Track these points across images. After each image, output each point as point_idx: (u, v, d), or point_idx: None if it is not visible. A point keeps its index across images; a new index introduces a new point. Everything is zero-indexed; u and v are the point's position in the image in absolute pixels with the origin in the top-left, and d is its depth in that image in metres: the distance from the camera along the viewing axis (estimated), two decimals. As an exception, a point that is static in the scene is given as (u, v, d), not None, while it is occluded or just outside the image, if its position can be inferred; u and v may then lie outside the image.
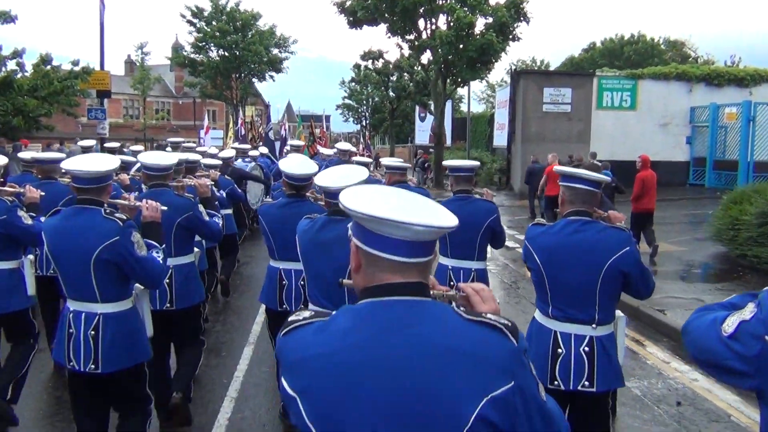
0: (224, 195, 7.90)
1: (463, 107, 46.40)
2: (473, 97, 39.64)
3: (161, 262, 3.71)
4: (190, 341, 5.11)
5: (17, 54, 19.71)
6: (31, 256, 5.12)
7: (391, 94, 43.57)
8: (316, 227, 3.64)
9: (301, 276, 4.65)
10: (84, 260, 3.47)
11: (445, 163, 5.64)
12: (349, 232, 1.64)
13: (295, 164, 4.82)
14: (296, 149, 13.32)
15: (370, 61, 40.25)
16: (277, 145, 19.73)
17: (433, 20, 25.98)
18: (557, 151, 22.48)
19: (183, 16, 40.25)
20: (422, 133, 45.78)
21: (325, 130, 34.90)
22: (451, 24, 24.37)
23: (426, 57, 27.68)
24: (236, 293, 9.46)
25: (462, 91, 36.98)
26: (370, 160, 10.37)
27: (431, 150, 37.84)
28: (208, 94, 42.69)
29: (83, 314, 3.56)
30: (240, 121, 26.36)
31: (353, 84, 55.12)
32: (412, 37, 27.51)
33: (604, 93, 24.41)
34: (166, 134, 47.84)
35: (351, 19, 27.59)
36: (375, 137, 54.30)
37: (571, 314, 3.50)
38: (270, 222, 4.79)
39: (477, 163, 5.62)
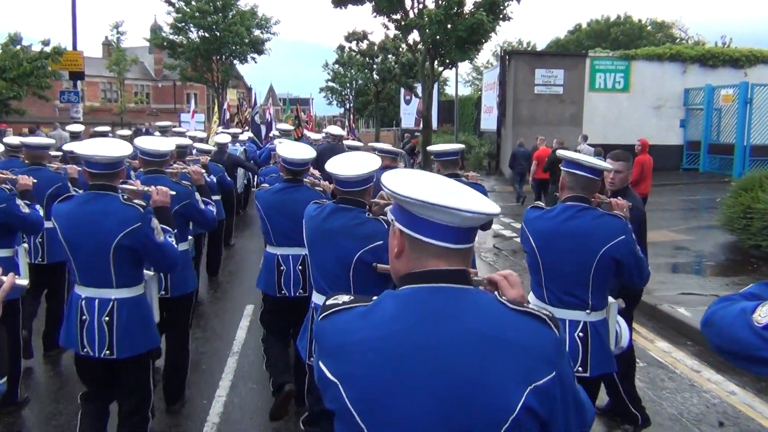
0: (214, 181, 7.78)
1: (449, 90, 45.66)
2: (459, 80, 39.06)
3: (176, 246, 3.74)
4: (179, 339, 5.10)
5: (-16, 33, 18.54)
6: (25, 245, 5.07)
7: (375, 76, 42.54)
8: (323, 215, 3.49)
9: (299, 261, 4.64)
10: (103, 246, 3.44)
11: (430, 148, 5.52)
12: (389, 216, 1.63)
13: (293, 149, 4.75)
14: (285, 133, 12.92)
15: (355, 43, 39.21)
16: (263, 129, 19.38)
17: (421, -1, 25.06)
18: (550, 135, 21.92)
19: (162, -4, 38.94)
20: (408, 117, 44.95)
21: (311, 113, 34.24)
22: (440, 2, 23.45)
23: (413, 37, 26.78)
24: (219, 293, 8.83)
25: (448, 73, 36.23)
26: (361, 144, 9.91)
27: (417, 134, 37.24)
28: (189, 76, 41.40)
29: (96, 300, 3.53)
30: (226, 105, 25.95)
31: (337, 66, 54.21)
32: (398, 16, 26.51)
33: (597, 74, 23.68)
34: (146, 118, 46.89)
35: (335, -3, 26.59)
36: (359, 121, 53.36)
37: (566, 299, 3.49)
38: (266, 207, 4.69)
39: (462, 146, 5.52)
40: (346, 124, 34.76)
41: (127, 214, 3.48)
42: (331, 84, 55.90)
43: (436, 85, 42.38)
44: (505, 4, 23.49)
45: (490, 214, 1.51)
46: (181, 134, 11.43)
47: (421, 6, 24.99)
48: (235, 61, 42.11)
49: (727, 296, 2.00)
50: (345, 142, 9.77)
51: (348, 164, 3.47)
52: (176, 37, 39.94)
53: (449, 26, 23.23)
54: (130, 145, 3.90)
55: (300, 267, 4.67)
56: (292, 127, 16.01)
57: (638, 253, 3.48)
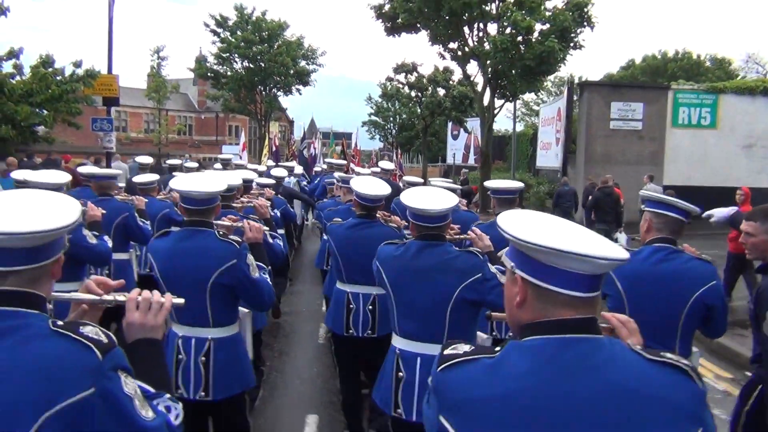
0: (278, 214, 7.33)
1: (497, 125, 43.17)
2: (506, 114, 36.33)
3: (270, 283, 3.61)
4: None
5: (13, 54, 16.67)
6: (93, 277, 3.65)
7: (423, 110, 40.31)
8: (410, 253, 3.32)
9: (369, 300, 4.51)
10: (200, 284, 3.35)
11: (488, 183, 5.45)
12: (507, 263, 1.53)
13: (368, 184, 4.64)
14: (338, 167, 12.66)
15: (403, 75, 37.13)
16: (313, 162, 19.27)
17: (481, 25, 22.80)
18: (626, 175, 19.36)
19: (207, 26, 37.35)
20: (455, 152, 42.74)
21: (357, 147, 32.47)
22: (505, 29, 21.14)
23: (472, 68, 24.53)
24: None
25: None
26: (421, 180, 9.18)
27: (464, 170, 34.87)
28: (231, 107, 39.60)
29: (193, 339, 3.42)
30: (273, 138, 26.67)
31: (380, 100, 52.42)
32: (455, 45, 24.34)
33: (681, 109, 20.93)
34: (187, 149, 45.63)
35: (389, 25, 24.57)
36: (402, 156, 51.11)
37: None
38: (340, 243, 4.58)
39: (521, 184, 5.38)
40: (394, 158, 32.69)
41: (224, 251, 3.38)
42: (374, 118, 54.23)
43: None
44: (577, 31, 21.08)
45: (623, 260, 1.41)
46: (241, 167, 11.02)
47: (480, 34, 22.76)
48: (278, 93, 40.20)
49: None
50: (405, 177, 9.29)
51: (429, 199, 3.34)
52: (220, 67, 38.27)
53: (515, 54, 20.87)
54: (225, 180, 3.95)
55: (370, 307, 4.53)
56: (344, 162, 15.41)
57: (726, 300, 3.49)
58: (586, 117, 20.88)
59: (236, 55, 37.50)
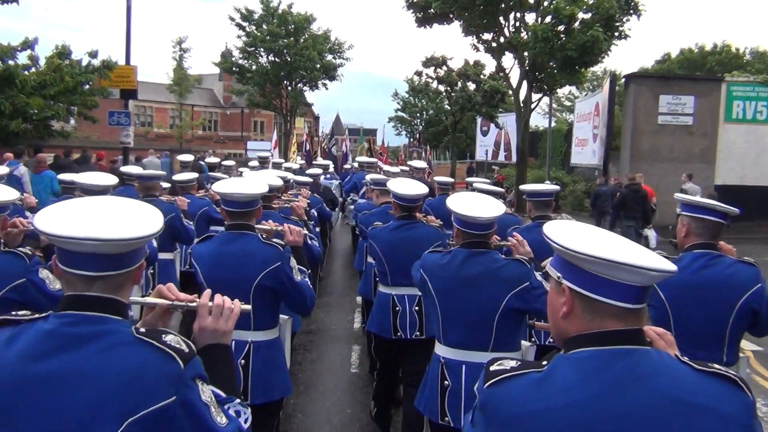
0: (315, 213, 7.33)
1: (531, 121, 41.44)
2: (537, 110, 34.64)
3: (311, 287, 3.55)
4: None
5: (28, 45, 15.61)
6: (142, 281, 4.30)
7: (451, 106, 38.91)
8: (457, 261, 3.25)
9: (415, 301, 4.46)
10: (244, 287, 3.28)
11: (523, 187, 5.36)
12: (553, 273, 1.51)
13: (406, 185, 4.60)
14: (369, 166, 12.26)
15: (432, 69, 35.70)
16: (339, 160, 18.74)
17: (519, 15, 21.39)
18: (676, 173, 17.93)
19: (232, 19, 36.22)
20: (483, 149, 41.28)
21: (384, 145, 31.40)
22: (545, 18, 19.70)
23: (507, 60, 23.19)
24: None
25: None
26: (452, 180, 8.70)
27: (494, 167, 33.41)
28: (257, 102, 38.39)
29: (233, 342, 3.20)
30: (305, 135, 25.83)
31: (407, 95, 51.10)
32: (489, 36, 22.96)
33: (735, 102, 19.36)
34: (212, 145, 44.81)
35: (420, 15, 23.25)
36: (432, 153, 49.73)
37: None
38: (383, 246, 4.53)
39: (557, 187, 5.39)
40: (423, 155, 31.43)
41: (268, 254, 3.35)
42: (400, 114, 52.96)
43: (514, 116, 38.80)
44: (623, 19, 19.57)
45: (673, 272, 1.39)
46: (278, 164, 11.03)
47: (518, 24, 21.34)
48: (304, 88, 38.98)
49: None
50: (436, 178, 8.77)
51: (477, 206, 3.25)
52: (246, 61, 37.16)
53: (555, 44, 19.43)
54: (266, 181, 4.00)
55: (416, 308, 4.46)
56: (374, 160, 14.58)
57: None
58: (632, 111, 19.38)
59: (261, 49, 36.30)
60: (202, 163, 14.25)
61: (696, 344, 3.03)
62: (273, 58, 36.64)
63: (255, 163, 12.14)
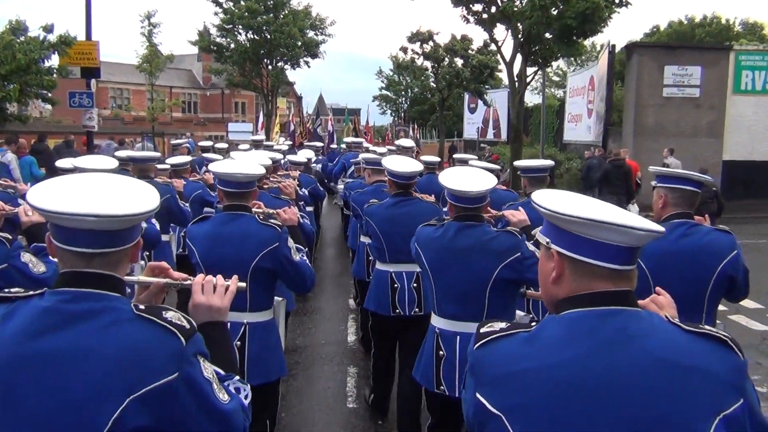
0: (307, 193, 7.34)
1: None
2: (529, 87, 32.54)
3: (310, 265, 3.55)
4: None
5: (-22, 20, 13.90)
6: (142, 262, 4.86)
7: (434, 84, 37.37)
8: (449, 234, 3.30)
9: (413, 278, 4.46)
10: (242, 268, 3.20)
11: (517, 163, 5.33)
12: (542, 239, 1.51)
13: (400, 162, 4.56)
14: (357, 147, 11.95)
15: (418, 44, 34.10)
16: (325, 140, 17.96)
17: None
18: (682, 148, 16.78)
19: (208, -5, 34.30)
20: (472, 126, 39.82)
21: (369, 124, 30.13)
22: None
23: (499, 33, 21.68)
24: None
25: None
26: (438, 159, 8.55)
27: (484, 146, 32.08)
28: (236, 82, 36.49)
29: (228, 324, 2.82)
30: (291, 116, 25.03)
31: (391, 73, 49.53)
32: (480, 7, 21.42)
33: (743, 72, 18.07)
34: (192, 127, 43.15)
35: (407, -15, 21.63)
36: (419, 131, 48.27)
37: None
38: (380, 223, 4.50)
39: (551, 162, 5.34)
40: (410, 134, 30.11)
41: (266, 235, 3.32)
42: (385, 92, 51.40)
43: (506, 92, 37.29)
44: (624, -15, 18.12)
45: (659, 232, 1.40)
46: (269, 146, 11.15)
47: (511, -8, 19.83)
48: (286, 66, 37.16)
49: None
50: (422, 157, 8.57)
51: (468, 180, 3.30)
52: (224, 39, 35.27)
53: (554, 12, 17.96)
54: (262, 163, 4.01)
55: (415, 284, 4.46)
56: (361, 140, 14.08)
57: (746, 265, 3.25)
58: (635, 83, 18.04)
59: (240, 27, 34.44)
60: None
61: (678, 311, 2.86)
62: (252, 36, 34.77)
63: (245, 146, 11.99)
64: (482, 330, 1.51)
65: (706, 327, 1.41)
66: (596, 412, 1.31)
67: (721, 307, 3.65)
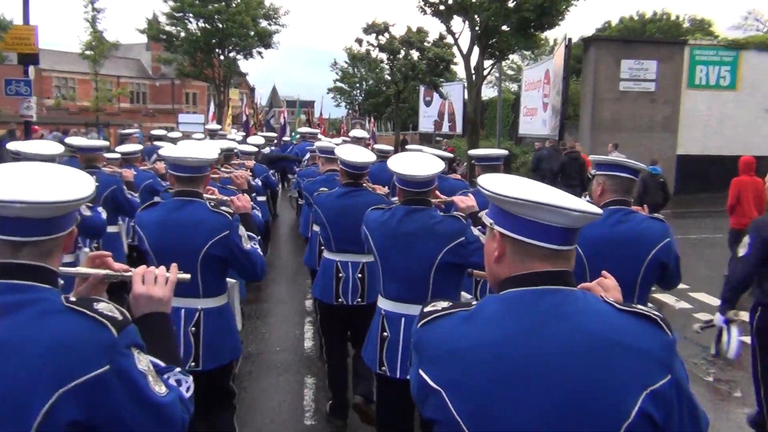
0: (260, 183, 7.40)
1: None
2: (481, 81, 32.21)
3: (261, 253, 3.52)
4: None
5: None
6: (86, 249, 4.91)
7: (388, 76, 36.93)
8: (396, 218, 3.34)
9: (358, 268, 4.45)
10: (192, 255, 3.21)
11: (471, 151, 5.42)
12: (486, 220, 1.55)
13: (353, 152, 4.53)
14: (312, 137, 11.78)
15: (374, 36, 33.58)
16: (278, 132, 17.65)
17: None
18: (638, 143, 16.81)
19: (157, -18, 33.09)
20: (427, 119, 39.56)
21: (322, 116, 29.64)
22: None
23: (457, 25, 21.38)
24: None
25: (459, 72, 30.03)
26: (391, 148, 8.66)
27: (439, 138, 31.83)
28: (186, 72, 35.37)
29: (183, 310, 3.29)
30: (244, 107, 24.41)
31: (346, 65, 48.92)
32: (437, -1, 21.08)
33: (698, 67, 18.17)
34: (142, 119, 41.82)
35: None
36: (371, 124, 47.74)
37: None
38: (328, 213, 4.49)
39: (505, 152, 5.45)
40: (367, 126, 29.64)
41: (216, 222, 3.29)
42: (339, 84, 50.77)
43: (460, 86, 37.10)
44: (582, -22, 17.99)
45: (597, 214, 1.44)
46: (222, 135, 10.90)
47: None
48: (238, 57, 36.21)
49: None
50: (376, 146, 8.77)
51: (415, 165, 3.34)
52: (173, 28, 34.11)
53: (512, 5, 17.72)
54: (213, 148, 3.79)
55: (359, 275, 4.46)
56: (316, 131, 14.43)
57: (678, 253, 3.32)
58: (593, 77, 17.98)
59: (191, 15, 33.37)
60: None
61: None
62: (203, 24, 33.77)
63: (200, 135, 11.93)
64: (426, 309, 1.54)
65: (639, 306, 1.45)
66: (529, 386, 1.34)
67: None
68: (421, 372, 1.46)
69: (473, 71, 20.66)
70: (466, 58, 20.91)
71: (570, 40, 20.40)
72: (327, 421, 4.78)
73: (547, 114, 24.70)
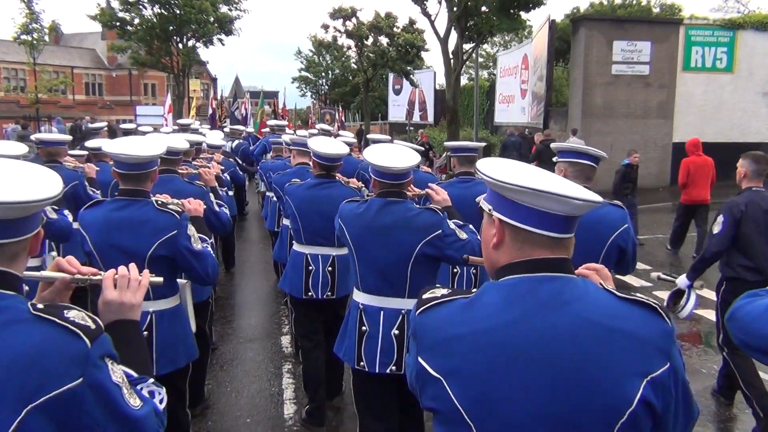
0: (227, 177, 7.01)
1: (439, 79, 38.15)
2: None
3: (213, 254, 3.33)
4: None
5: None
6: (53, 253, 4.94)
7: (355, 64, 35.03)
8: (372, 211, 3.26)
9: (328, 261, 4.35)
10: (138, 256, 2.97)
11: (447, 143, 5.25)
12: (485, 206, 1.51)
13: (325, 144, 4.39)
14: (280, 129, 11.54)
15: (341, 21, 31.66)
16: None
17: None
18: (631, 130, 15.51)
19: (108, -35, 30.58)
20: (397, 108, 37.87)
21: (285, 108, 27.91)
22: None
23: (432, 5, 19.60)
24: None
25: (432, 59, 28.13)
26: (354, 140, 8.29)
27: (410, 128, 30.22)
28: (142, 61, 32.90)
29: None
30: (210, 99, 23.26)
31: (311, 54, 46.97)
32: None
33: (693, 49, 16.76)
34: (98, 111, 39.36)
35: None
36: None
37: None
38: (299, 203, 4.36)
39: (481, 144, 5.47)
40: (336, 117, 27.85)
41: (163, 222, 3.10)
42: (304, 74, 48.76)
43: (431, 74, 35.43)
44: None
45: (597, 202, 1.41)
46: (195, 131, 10.63)
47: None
48: (197, 44, 33.91)
49: (755, 291, 1.94)
50: (339, 136, 8.08)
51: (392, 157, 3.26)
52: (127, 14, 31.64)
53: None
54: (165, 143, 3.71)
55: (329, 268, 4.35)
56: (285, 122, 13.98)
57: (636, 241, 3.37)
58: (583, 60, 16.37)
59: (145, 0, 30.99)
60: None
61: None
62: (159, 10, 31.41)
63: (167, 129, 11.53)
64: (424, 296, 1.51)
65: (637, 294, 1.43)
66: (529, 373, 1.32)
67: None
68: (420, 360, 1.42)
69: (451, 56, 18.98)
70: (444, 41, 19.20)
71: (554, 21, 18.87)
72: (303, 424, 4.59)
73: (526, 101, 23.23)
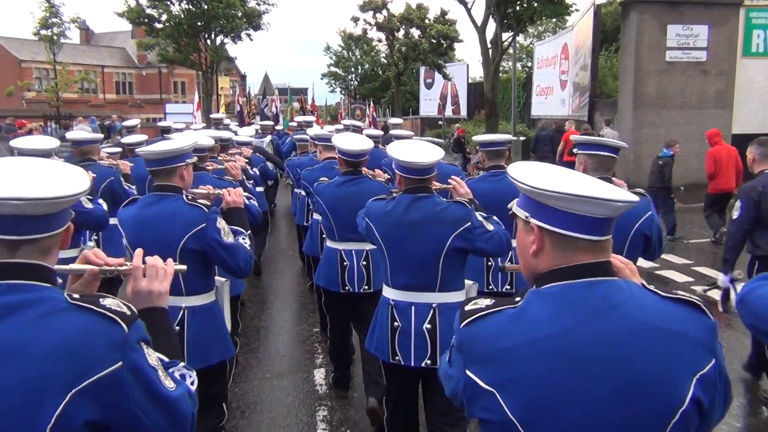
0: (257, 173, 7.27)
1: (474, 71, 36.81)
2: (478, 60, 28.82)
3: (249, 248, 3.27)
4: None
5: None
6: (91, 243, 4.95)
7: (384, 59, 33.98)
8: (400, 208, 3.26)
9: (362, 256, 4.38)
10: (169, 251, 2.98)
11: (475, 138, 5.15)
12: (521, 213, 1.48)
13: (351, 140, 4.47)
14: (308, 126, 10.83)
15: (371, 14, 30.66)
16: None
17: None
18: (688, 121, 14.28)
19: (136, -38, 29.96)
20: (429, 103, 36.76)
21: (315, 103, 27.26)
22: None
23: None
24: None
25: (463, 53, 26.77)
26: (380, 133, 8.22)
27: (441, 122, 29.15)
28: (170, 58, 32.31)
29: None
30: (237, 96, 23.23)
31: (340, 49, 46.11)
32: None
33: (755, 32, 15.38)
34: (128, 110, 39.04)
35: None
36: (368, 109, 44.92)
37: None
38: (330, 201, 4.39)
39: (508, 136, 5.27)
40: (367, 112, 26.96)
41: (191, 216, 3.12)
42: (333, 69, 47.95)
43: (464, 67, 34.23)
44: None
45: (635, 202, 1.39)
46: (227, 127, 10.92)
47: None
48: (226, 40, 33.20)
49: (766, 274, 1.92)
50: (365, 131, 7.87)
51: (417, 152, 3.27)
52: (155, 11, 31.03)
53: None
54: (190, 139, 3.53)
55: (364, 262, 4.38)
56: (312, 118, 13.63)
57: (660, 227, 3.40)
58: (634, 46, 15.10)
59: (173, -4, 30.35)
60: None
61: None
62: (187, 6, 30.73)
63: (197, 126, 11.74)
64: (467, 308, 1.48)
65: (680, 292, 1.42)
66: (586, 380, 1.31)
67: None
68: (468, 373, 1.39)
69: (489, 45, 17.86)
70: (481, 30, 18.09)
71: (599, 6, 17.62)
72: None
73: (566, 92, 21.99)
